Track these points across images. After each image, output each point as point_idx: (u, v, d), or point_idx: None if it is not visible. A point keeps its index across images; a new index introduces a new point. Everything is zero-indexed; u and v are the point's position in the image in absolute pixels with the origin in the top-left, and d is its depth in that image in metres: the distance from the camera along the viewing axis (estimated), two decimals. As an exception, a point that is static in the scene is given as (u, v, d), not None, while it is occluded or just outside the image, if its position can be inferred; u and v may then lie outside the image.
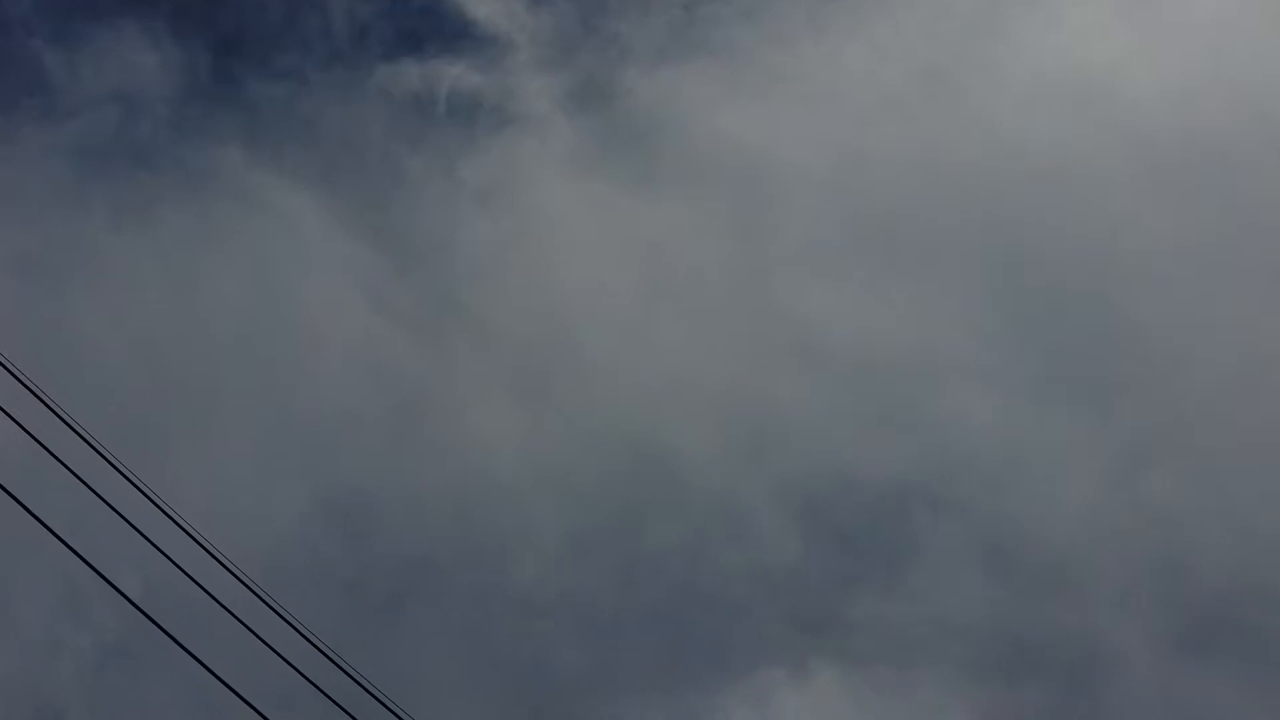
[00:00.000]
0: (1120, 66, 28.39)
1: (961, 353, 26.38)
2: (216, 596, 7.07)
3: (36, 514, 6.72)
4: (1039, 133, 27.76)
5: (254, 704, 6.73)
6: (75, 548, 6.82)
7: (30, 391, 7.26)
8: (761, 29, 29.16)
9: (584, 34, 28.78)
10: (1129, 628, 22.98)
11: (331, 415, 24.45)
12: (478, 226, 27.32)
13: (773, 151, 27.95)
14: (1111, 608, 23.32)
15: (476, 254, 26.99)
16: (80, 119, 25.63)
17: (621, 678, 22.82)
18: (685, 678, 22.80)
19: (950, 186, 27.63)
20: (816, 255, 27.31)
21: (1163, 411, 25.44)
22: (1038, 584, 23.92)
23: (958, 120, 28.39)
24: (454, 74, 27.71)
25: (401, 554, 23.42)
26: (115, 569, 7.16)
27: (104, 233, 24.72)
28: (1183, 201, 26.55)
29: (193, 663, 6.97)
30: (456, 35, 28.32)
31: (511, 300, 26.37)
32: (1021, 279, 26.95)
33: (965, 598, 23.73)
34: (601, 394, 25.72)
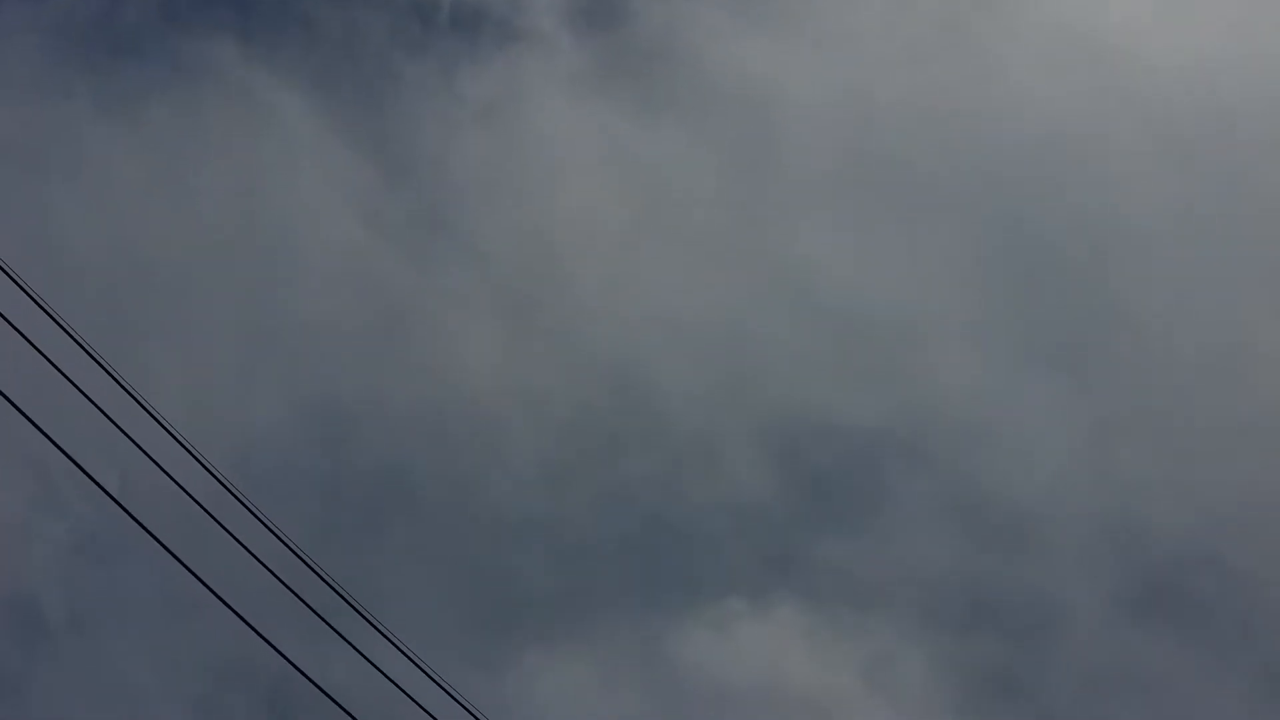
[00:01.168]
0: (1142, 31, 27.77)
1: (949, 308, 26.45)
2: (192, 494, 7.10)
3: (14, 401, 6.68)
4: (1053, 93, 27.28)
5: (227, 600, 6.83)
6: (53, 437, 6.80)
7: (9, 278, 7.14)
8: (780, -39, 28.26)
9: (596, -50, 27.82)
10: (1083, 590, 23.70)
11: (313, 322, 24.28)
12: (474, 142, 26.76)
13: (781, 89, 27.36)
14: (1069, 569, 24.00)
15: (470, 170, 26.51)
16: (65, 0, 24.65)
17: (589, 599, 23.36)
18: (650, 602, 23.39)
19: (957, 140, 27.26)
20: (815, 198, 27.04)
21: (1142, 385, 25.76)
22: (1000, 541, 24.54)
23: (972, 73, 27.82)
24: (460, -18, 26.81)
25: (378, 465, 23.59)
26: (92, 461, 7.15)
27: (87, 122, 24.00)
28: (1189, 176, 26.36)
29: (167, 558, 7.04)
30: (465, -59, 27.31)
31: (502, 220, 26.03)
32: (1017, 239, 26.87)
33: (929, 548, 24.33)
34: (587, 321, 25.66)
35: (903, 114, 27.17)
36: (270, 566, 7.21)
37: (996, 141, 27.12)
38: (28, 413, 6.75)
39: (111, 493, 6.79)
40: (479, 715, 7.18)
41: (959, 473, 25.05)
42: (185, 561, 6.97)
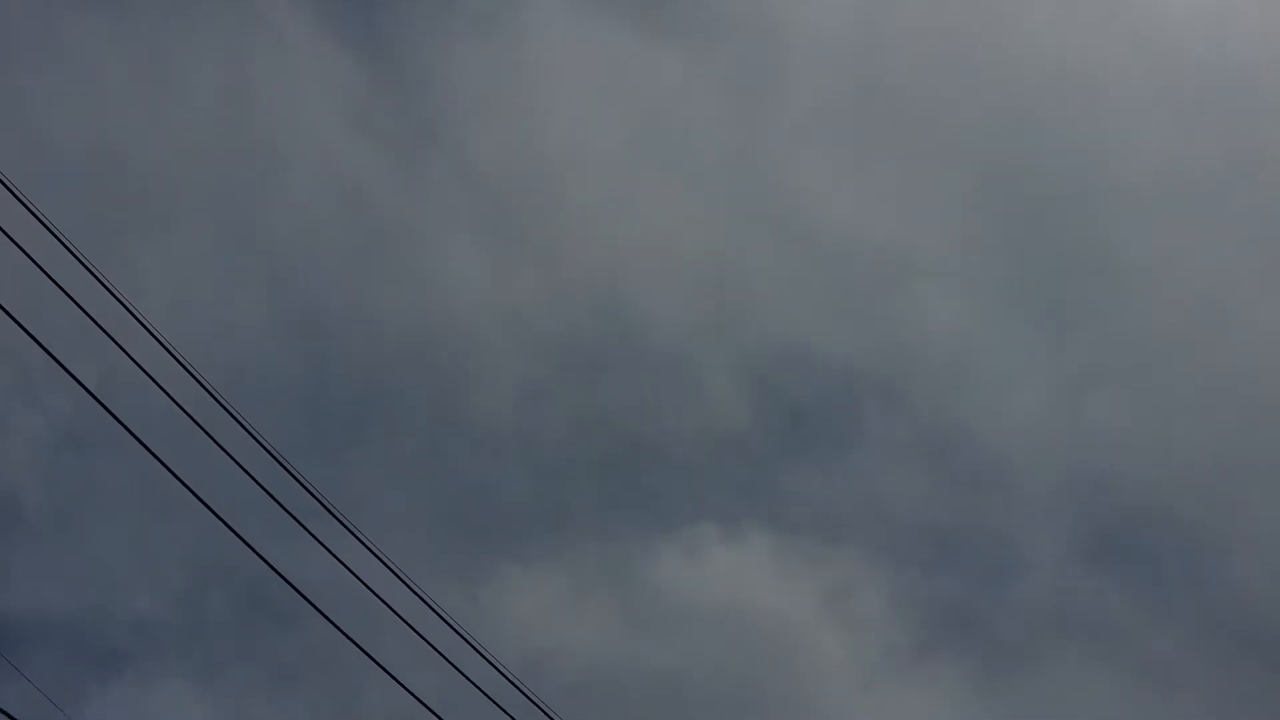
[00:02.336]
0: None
1: (939, 250, 26.39)
2: (172, 394, 7.10)
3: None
4: (1066, 37, 26.66)
5: (206, 501, 6.92)
6: (30, 331, 6.75)
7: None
8: (797, -117, 27.18)
9: None
10: (1045, 536, 24.38)
11: (297, 229, 23.94)
12: (470, 54, 25.98)
13: (789, 19, 26.60)
14: (1033, 515, 24.62)
15: (465, 83, 25.81)
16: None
17: (564, 517, 23.80)
18: (624, 524, 23.88)
19: (963, 80, 26.73)
20: (815, 131, 26.61)
21: (1123, 338, 25.99)
22: (969, 483, 25.07)
23: (984, 13, 27.11)
24: (465, -118, 25.64)
25: (360, 376, 23.61)
26: (70, 357, 7.13)
27: (68, 13, 23.07)
28: (1193, 133, 26.05)
29: (146, 457, 7.09)
30: None
31: (495, 136, 25.48)
32: (1013, 185, 26.66)
33: (899, 486, 24.84)
34: (575, 243, 25.44)
35: (911, 51, 26.54)
36: (249, 470, 7.28)
37: (1003, 85, 26.62)
38: (4, 305, 6.69)
39: (90, 389, 6.79)
40: (451, 622, 7.39)
41: (934, 414, 25.41)
42: (165, 461, 7.02)
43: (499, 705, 7.45)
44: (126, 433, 7.03)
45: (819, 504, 24.43)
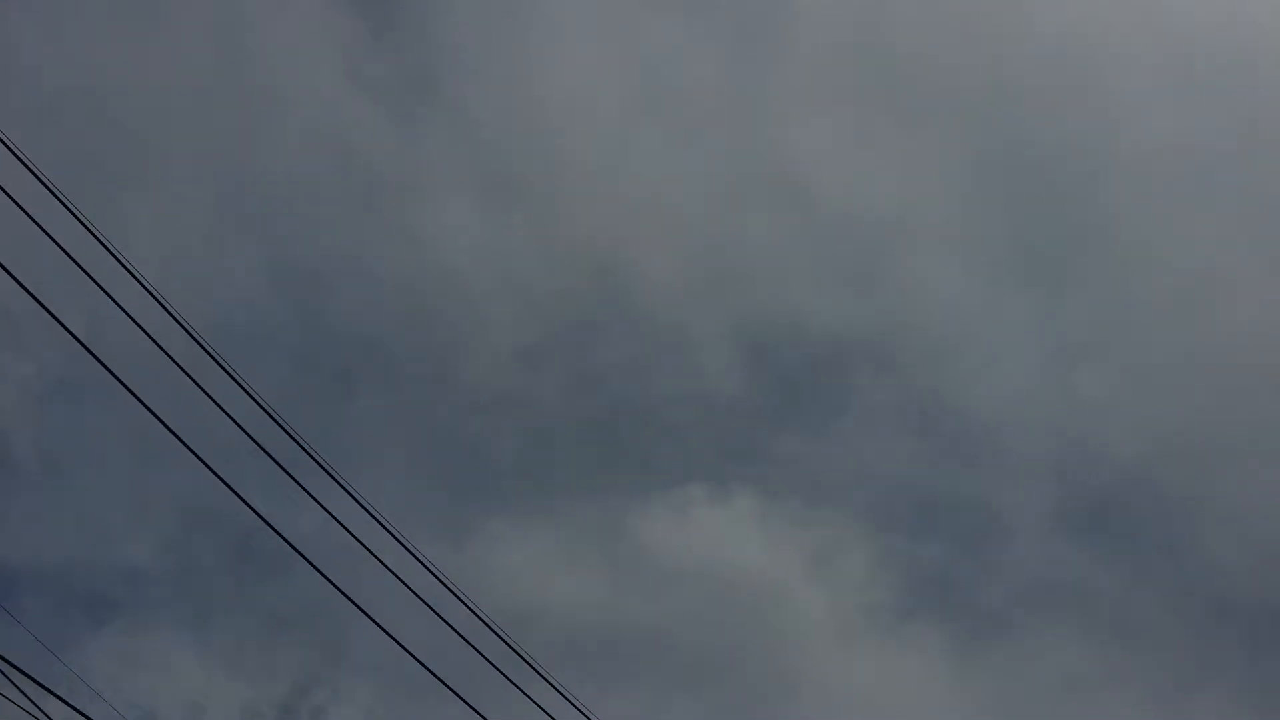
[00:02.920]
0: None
1: (936, 219, 26.30)
2: (161, 343, 7.09)
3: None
4: (1073, 8, 26.27)
5: (197, 451, 6.94)
6: (17, 278, 6.71)
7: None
8: None
9: None
10: (1028, 504, 24.68)
11: (290, 181, 23.70)
12: (469, 7, 25.51)
13: (794, -22, 26.17)
14: (1016, 485, 24.91)
15: (464, 35, 25.37)
16: None
17: (554, 475, 23.96)
18: (614, 483, 24.06)
19: (968, 45, 26.39)
20: (817, 94, 26.32)
21: (1113, 311, 26.07)
22: (955, 452, 25.30)
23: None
24: None
25: (352, 332, 23.56)
26: (59, 305, 7.09)
27: (58, -43, 22.53)
28: (1196, 108, 25.84)
29: (136, 406, 7.10)
30: None
31: (493, 91, 25.13)
32: (1013, 154, 26.49)
33: (885, 452, 25.05)
34: (571, 203, 25.26)
35: (915, 16, 26.15)
36: (239, 420, 7.30)
37: (1007, 52, 26.32)
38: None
39: (79, 338, 6.77)
40: (438, 573, 7.48)
41: (923, 383, 25.54)
42: (155, 411, 7.03)
43: (485, 657, 7.57)
44: (117, 382, 7.03)
45: (807, 468, 24.64)
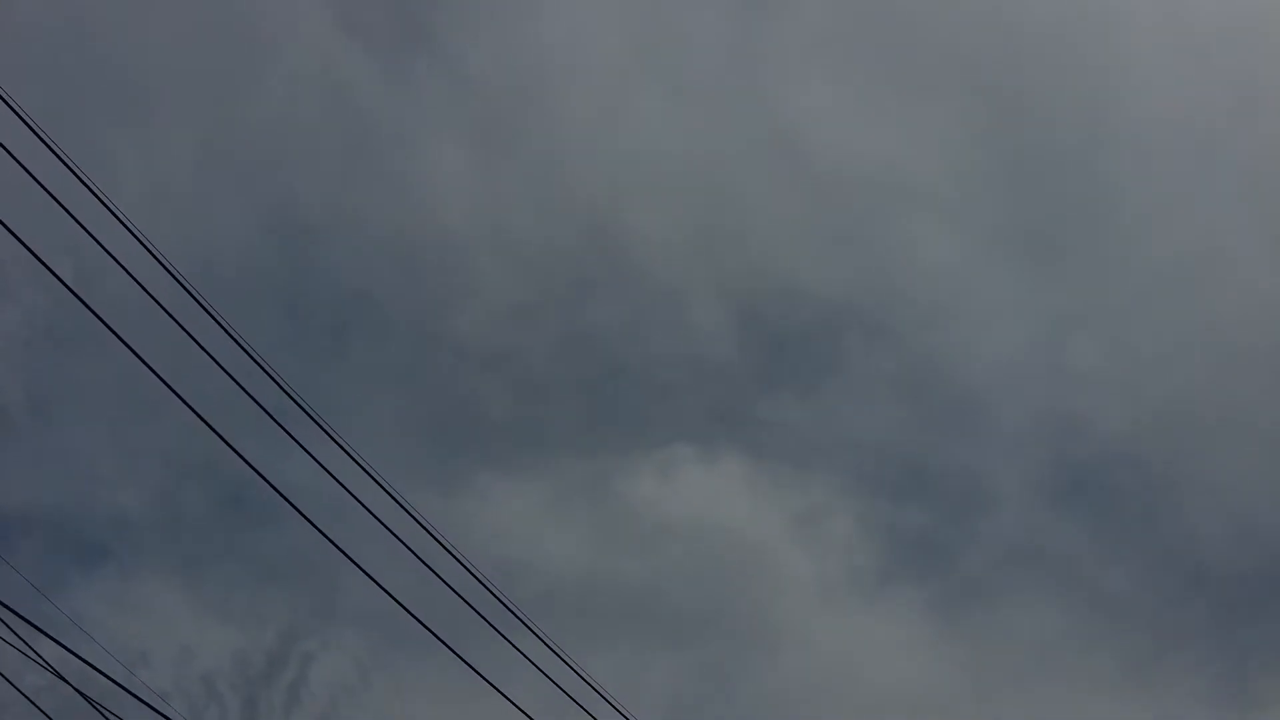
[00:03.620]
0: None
1: (933, 185, 26.18)
2: (149, 290, 7.05)
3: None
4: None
5: (186, 399, 6.94)
6: (3, 221, 6.64)
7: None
8: None
9: None
10: (1013, 472, 24.98)
11: (280, 130, 23.38)
12: (465, -49, 24.98)
13: (793, -68, 25.67)
14: (1002, 453, 25.17)
15: (459, -17, 24.89)
16: None
17: (544, 432, 24.07)
18: (603, 442, 24.21)
19: (971, 10, 26.02)
20: (815, 54, 25.98)
21: (1108, 283, 26.12)
22: (943, 419, 25.50)
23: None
24: None
25: (344, 285, 23.44)
26: (45, 250, 7.03)
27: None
28: (1200, 80, 25.62)
29: (125, 355, 7.07)
30: None
31: (490, 41, 24.71)
32: (1013, 122, 26.30)
33: (874, 418, 25.22)
34: (567, 158, 25.02)
35: (920, -24, 25.74)
36: (228, 368, 7.29)
37: (1010, 17, 25.98)
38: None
39: (67, 283, 6.72)
40: (425, 524, 7.55)
41: (914, 349, 25.64)
42: (144, 357, 7.02)
43: (472, 607, 7.68)
44: (106, 329, 6.99)
45: (795, 431, 24.82)
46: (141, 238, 6.96)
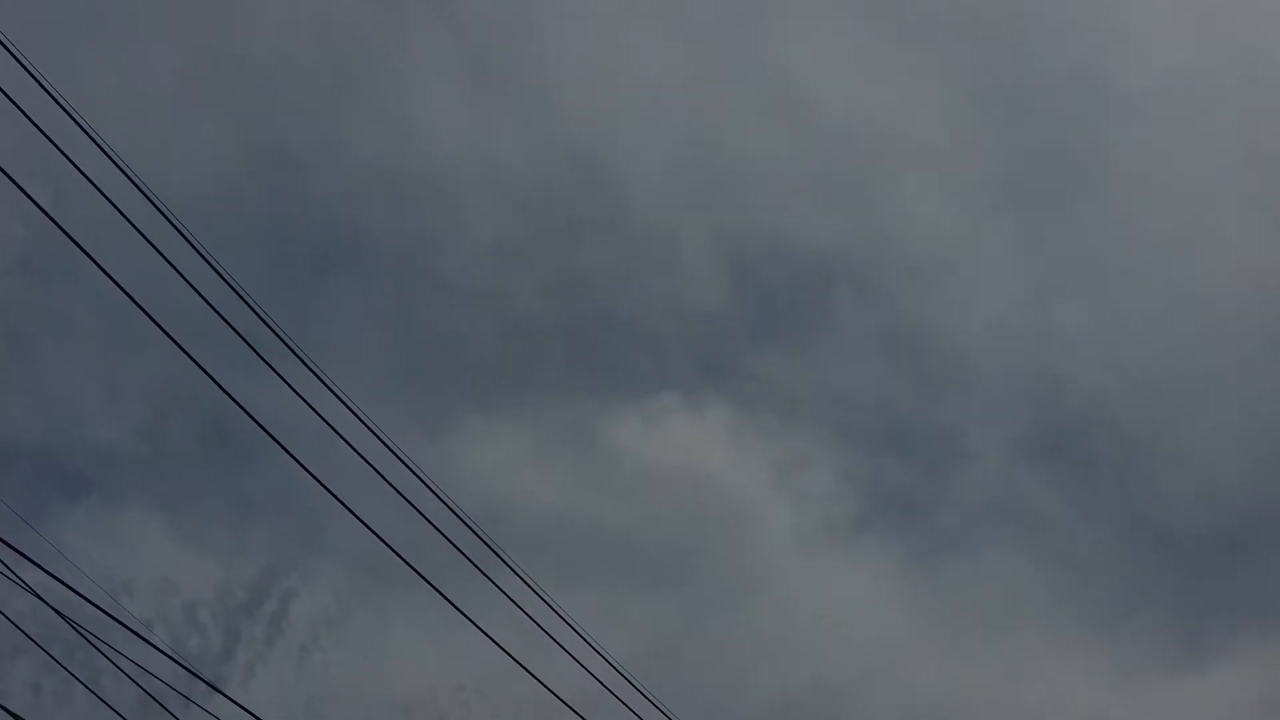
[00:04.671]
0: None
1: (930, 142, 25.99)
2: (132, 220, 6.94)
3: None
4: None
5: (168, 330, 6.89)
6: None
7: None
8: None
9: None
10: (992, 431, 25.34)
11: (265, 58, 22.83)
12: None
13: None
14: (984, 411, 25.49)
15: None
16: None
17: (531, 376, 24.11)
18: (589, 388, 24.29)
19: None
20: (819, 3, 25.51)
21: (1102, 248, 26.19)
22: (927, 375, 25.73)
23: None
24: None
25: (329, 218, 23.16)
26: (22, 176, 6.88)
27: None
28: (1203, 42, 25.34)
29: (106, 286, 6.98)
30: None
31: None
32: (1012, 82, 26.04)
33: (859, 373, 25.42)
34: (561, 97, 24.61)
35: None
36: (210, 301, 7.22)
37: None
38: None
39: (45, 209, 6.60)
40: (408, 462, 7.58)
41: (901, 305, 25.73)
42: (126, 289, 6.93)
43: (452, 543, 7.77)
44: (86, 259, 6.89)
45: (780, 383, 24.98)
46: (122, 164, 6.82)
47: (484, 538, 7.91)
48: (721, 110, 25.60)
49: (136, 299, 6.98)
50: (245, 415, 7.36)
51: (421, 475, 7.56)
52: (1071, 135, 25.96)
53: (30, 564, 7.46)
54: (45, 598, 7.80)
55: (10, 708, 7.61)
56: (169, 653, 7.58)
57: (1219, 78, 25.34)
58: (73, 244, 6.79)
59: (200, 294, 7.20)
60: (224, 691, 7.45)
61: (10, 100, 6.74)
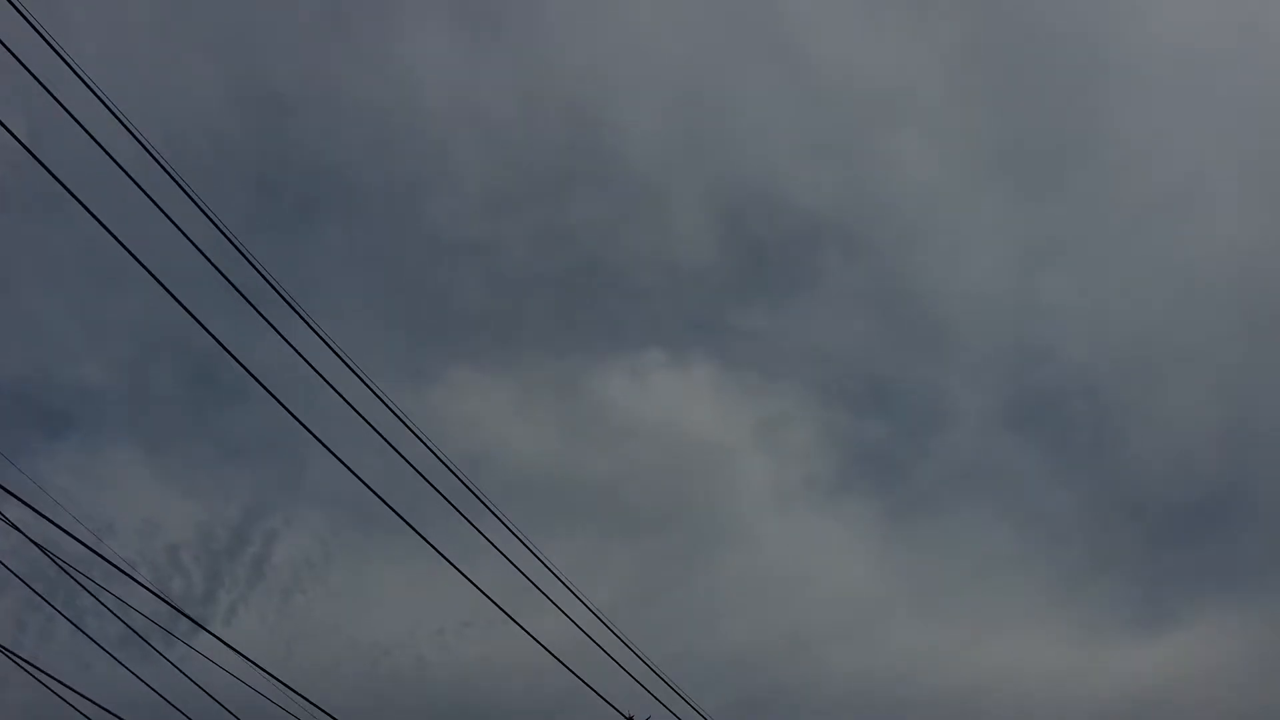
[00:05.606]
0: None
1: (927, 102, 25.75)
2: (115, 158, 6.81)
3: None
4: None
5: (151, 269, 6.81)
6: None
7: None
8: None
9: None
10: (972, 395, 25.60)
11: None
12: None
13: None
14: (965, 375, 25.72)
15: None
16: None
17: (518, 328, 24.07)
18: (576, 342, 24.28)
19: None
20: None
21: (1091, 217, 26.20)
22: (911, 338, 25.87)
23: None
24: None
25: (317, 162, 22.81)
26: None
27: None
28: (1205, 11, 25.07)
29: (89, 225, 6.87)
30: None
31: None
32: (1013, 40, 25.75)
33: (844, 333, 25.53)
34: (554, 46, 24.16)
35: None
36: (196, 242, 7.13)
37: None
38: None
39: (22, 140, 6.45)
40: (393, 408, 7.59)
41: (889, 267, 25.76)
42: (108, 226, 6.83)
43: (436, 489, 7.82)
44: (66, 192, 6.76)
45: (766, 341, 25.06)
46: (102, 96, 6.67)
47: (466, 482, 7.97)
48: (716, 64, 25.27)
49: (119, 237, 6.88)
50: (230, 357, 7.32)
51: (405, 419, 7.58)
52: (1069, 104, 25.84)
53: (15, 500, 7.45)
54: (28, 533, 7.81)
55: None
56: (152, 588, 7.65)
57: (1217, 45, 25.18)
58: (51, 176, 6.67)
59: (186, 235, 7.10)
60: (206, 627, 7.53)
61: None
